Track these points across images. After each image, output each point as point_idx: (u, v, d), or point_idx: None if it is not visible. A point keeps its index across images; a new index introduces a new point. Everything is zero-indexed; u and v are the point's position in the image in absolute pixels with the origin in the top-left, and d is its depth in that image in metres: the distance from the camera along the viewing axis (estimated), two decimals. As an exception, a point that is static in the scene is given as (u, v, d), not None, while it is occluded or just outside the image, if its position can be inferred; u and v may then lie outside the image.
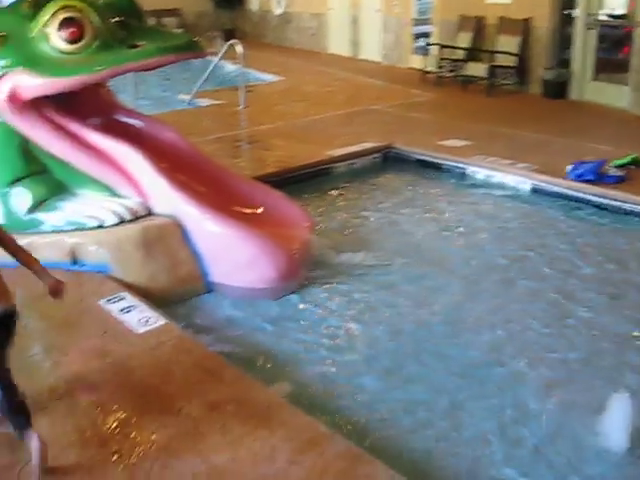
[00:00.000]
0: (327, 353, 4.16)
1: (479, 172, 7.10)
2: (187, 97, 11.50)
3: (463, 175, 7.24)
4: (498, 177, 6.95)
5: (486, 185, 7.00)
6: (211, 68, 10.98)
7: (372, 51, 15.20)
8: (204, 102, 11.35)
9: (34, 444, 2.83)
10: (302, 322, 4.55)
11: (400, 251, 5.55)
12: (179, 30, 17.48)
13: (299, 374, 3.94)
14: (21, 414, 2.90)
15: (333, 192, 7.00)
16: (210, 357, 3.72)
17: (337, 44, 16.66)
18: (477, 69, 11.37)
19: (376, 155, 7.78)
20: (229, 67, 14.49)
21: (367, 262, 5.36)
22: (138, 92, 10.21)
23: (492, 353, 4.14)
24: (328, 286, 4.98)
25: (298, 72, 14.20)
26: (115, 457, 2.98)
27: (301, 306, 4.75)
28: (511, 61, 11.01)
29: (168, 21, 20.05)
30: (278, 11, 19.35)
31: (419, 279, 5.12)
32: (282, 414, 3.21)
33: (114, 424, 3.20)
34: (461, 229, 6.03)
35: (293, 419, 3.18)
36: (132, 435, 3.12)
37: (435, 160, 7.50)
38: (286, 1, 18.88)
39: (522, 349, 4.16)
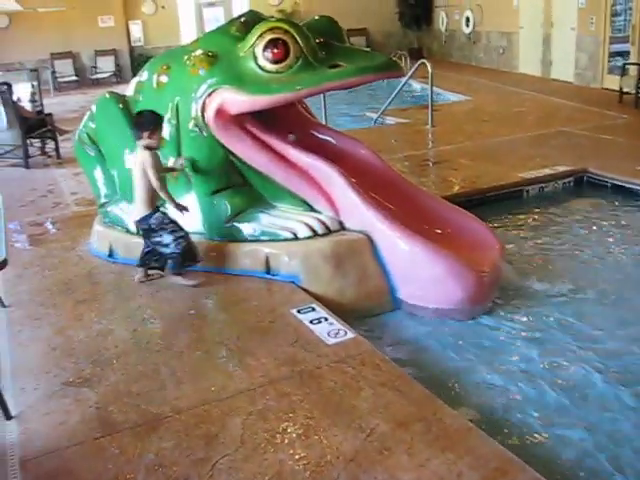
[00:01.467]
0: (511, 384, 4.02)
1: (683, 201, 6.65)
2: (374, 115, 11.67)
3: (664, 204, 6.80)
4: None
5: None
6: (400, 87, 11.05)
7: (564, 71, 14.69)
8: (391, 120, 11.48)
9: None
10: (488, 347, 4.44)
11: (591, 282, 5.28)
12: (367, 49, 17.82)
13: (482, 400, 3.85)
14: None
15: (522, 216, 6.80)
16: (398, 374, 3.72)
17: (527, 63, 16.27)
18: (680, 90, 10.69)
19: (569, 179, 7.48)
20: (415, 86, 14.60)
21: (555, 291, 5.15)
22: (327, 109, 10.46)
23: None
24: (514, 313, 4.83)
25: (486, 92, 14.01)
26: (302, 463, 3.06)
27: (487, 330, 4.65)
28: None
29: (356, 40, 20.44)
30: (466, 30, 19.20)
31: (612, 314, 4.84)
32: (470, 439, 3.15)
33: (302, 430, 3.29)
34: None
35: (482, 445, 3.10)
36: (319, 442, 3.19)
37: (634, 187, 7.09)
38: (475, 20, 18.71)
39: None
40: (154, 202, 5.00)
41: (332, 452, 3.10)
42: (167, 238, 4.98)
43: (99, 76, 20.18)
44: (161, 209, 5.07)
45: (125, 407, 3.57)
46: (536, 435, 3.53)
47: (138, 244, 5.47)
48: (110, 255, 5.67)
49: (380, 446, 3.12)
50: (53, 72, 19.32)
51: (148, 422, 3.43)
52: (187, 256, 5.04)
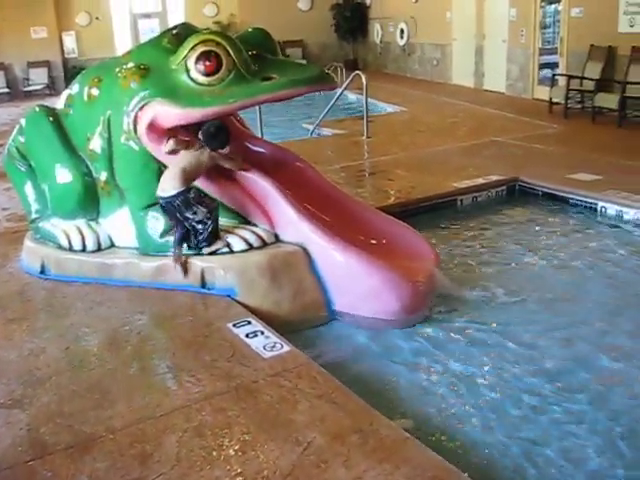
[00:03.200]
0: (448, 391, 4.08)
1: (610, 207, 6.83)
2: (310, 127, 11.72)
3: (593, 210, 6.99)
4: (631, 214, 6.67)
5: (618, 221, 6.72)
6: (335, 98, 11.13)
7: (496, 82, 15.02)
8: (327, 132, 11.55)
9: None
10: (424, 355, 4.49)
11: (526, 288, 5.40)
12: (302, 61, 17.93)
13: (419, 409, 3.88)
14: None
15: (456, 225, 6.91)
16: (335, 386, 3.71)
17: (460, 75, 16.59)
18: (607, 100, 11.00)
19: (501, 188, 7.64)
20: (351, 97, 14.74)
21: (490, 298, 5.25)
22: (262, 120, 10.45)
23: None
24: (450, 321, 4.90)
25: (421, 103, 14.22)
26: (238, 479, 3.03)
27: (423, 339, 4.69)
28: (644, 92, 10.61)
29: (292, 52, 20.61)
30: (401, 42, 19.47)
31: (547, 319, 4.96)
32: (407, 449, 3.16)
33: (238, 445, 3.26)
34: (593, 267, 5.80)
35: (418, 455, 3.12)
36: (256, 457, 3.16)
37: (563, 194, 7.28)
38: (409, 32, 18.98)
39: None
40: (189, 182, 4.89)
41: (269, 467, 3.08)
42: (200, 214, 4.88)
43: (32, 88, 19.79)
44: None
45: (57, 428, 3.48)
46: (473, 442, 3.57)
47: (70, 260, 5.40)
48: (42, 272, 5.54)
49: (317, 459, 3.11)
50: (-16, 84, 18.90)
51: (81, 443, 3.35)
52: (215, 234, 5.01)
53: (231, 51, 4.79)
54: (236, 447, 3.24)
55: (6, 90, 19.57)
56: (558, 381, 4.14)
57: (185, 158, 4.90)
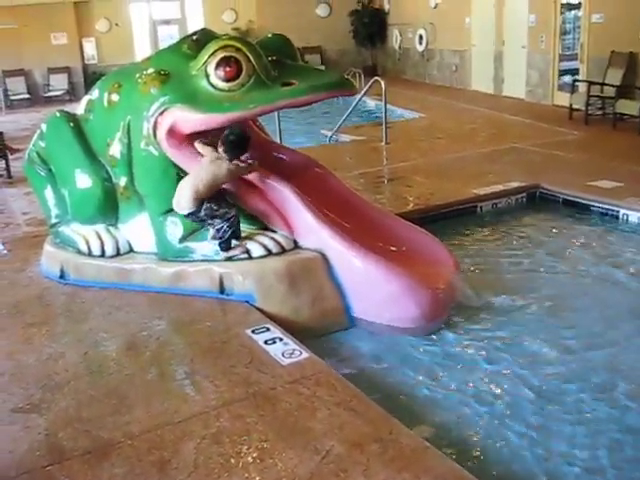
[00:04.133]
0: (468, 399, 4.04)
1: (632, 215, 6.75)
2: (329, 133, 11.70)
3: (615, 218, 6.91)
4: (655, 222, 6.60)
5: (641, 230, 6.66)
6: (354, 104, 11.11)
7: (515, 88, 14.93)
8: (346, 138, 11.52)
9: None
10: (443, 363, 4.46)
11: (547, 296, 5.34)
12: (321, 67, 17.93)
13: (438, 417, 3.85)
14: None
15: (476, 232, 6.86)
16: (354, 394, 3.69)
17: (480, 81, 16.50)
18: (629, 107, 10.89)
19: (521, 195, 7.58)
20: (370, 103, 14.70)
21: (510, 305, 5.19)
22: (281, 127, 10.45)
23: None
24: (470, 329, 4.86)
25: (439, 109, 14.17)
26: (257, 488, 3.01)
27: (443, 347, 4.66)
28: (667, 99, 10.52)
29: (311, 58, 20.60)
30: (420, 48, 19.42)
31: (567, 327, 4.91)
32: (427, 459, 3.13)
33: (256, 453, 3.24)
34: (614, 275, 5.73)
35: (438, 465, 3.09)
36: (274, 465, 3.14)
37: (585, 201, 7.21)
38: (428, 38, 18.93)
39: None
40: (201, 201, 4.85)
41: (287, 475, 3.06)
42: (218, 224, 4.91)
43: (52, 94, 19.90)
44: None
45: (75, 433, 3.49)
46: (494, 452, 3.53)
47: (89, 265, 5.41)
48: (61, 276, 5.55)
49: (336, 468, 3.09)
50: (5, 90, 19.01)
51: (99, 448, 3.35)
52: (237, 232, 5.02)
53: (251, 57, 4.78)
54: (254, 455, 3.22)
55: (27, 96, 19.69)
56: (583, 391, 4.09)
57: (200, 175, 4.85)
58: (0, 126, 11.35)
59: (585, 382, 4.19)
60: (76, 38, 20.57)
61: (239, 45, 4.81)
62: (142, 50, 20.53)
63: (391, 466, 3.08)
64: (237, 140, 4.91)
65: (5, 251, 6.54)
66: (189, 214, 4.90)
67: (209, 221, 4.92)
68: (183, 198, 4.86)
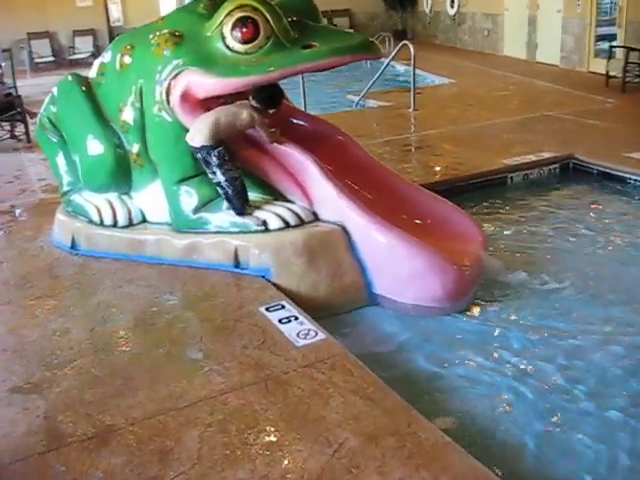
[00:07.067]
0: (495, 387, 3.78)
1: (672, 189, 6.41)
2: (356, 98, 11.37)
3: (654, 192, 6.57)
4: (695, 196, 6.23)
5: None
6: (382, 69, 10.75)
7: (550, 54, 14.41)
8: (373, 103, 11.19)
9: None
10: (469, 346, 4.19)
11: (578, 274, 5.04)
12: (351, 30, 17.50)
13: (461, 407, 3.60)
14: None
15: (506, 204, 6.54)
16: (371, 380, 3.44)
17: (512, 46, 15.98)
18: (669, 74, 10.44)
19: (554, 166, 7.23)
20: (399, 68, 14.31)
21: (542, 284, 4.90)
22: (306, 91, 10.14)
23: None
24: (498, 308, 4.60)
25: (470, 75, 13.72)
26: (263, 481, 2.80)
27: (469, 327, 4.40)
28: None
29: (339, 21, 20.15)
30: (451, 11, 18.87)
31: (600, 307, 4.62)
32: (447, 456, 2.88)
33: (264, 444, 3.02)
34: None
35: (459, 463, 2.84)
36: (283, 458, 2.93)
37: (621, 174, 6.84)
38: (459, 1, 18.38)
39: None
40: (219, 138, 4.62)
41: (296, 470, 2.84)
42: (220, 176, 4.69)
43: (77, 57, 19.65)
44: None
45: (76, 417, 3.29)
46: (521, 448, 3.28)
47: (100, 235, 5.21)
48: (72, 247, 5.36)
49: (349, 463, 2.86)
50: (30, 52, 18.83)
51: (99, 434, 3.15)
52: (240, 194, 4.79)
53: (269, 17, 4.52)
54: (262, 446, 3.00)
55: (52, 59, 19.48)
56: (614, 378, 3.82)
57: (222, 110, 4.66)
58: (24, 89, 11.14)
59: (624, 370, 3.90)
60: (101, 0, 20.28)
61: (256, 4, 4.53)
62: (168, 12, 20.20)
63: (408, 463, 2.83)
64: (269, 89, 4.71)
65: (18, 218, 6.38)
66: (200, 149, 4.63)
67: (213, 169, 4.66)
68: (200, 131, 4.60)
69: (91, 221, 5.31)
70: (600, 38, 13.30)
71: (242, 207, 4.78)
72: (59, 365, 3.76)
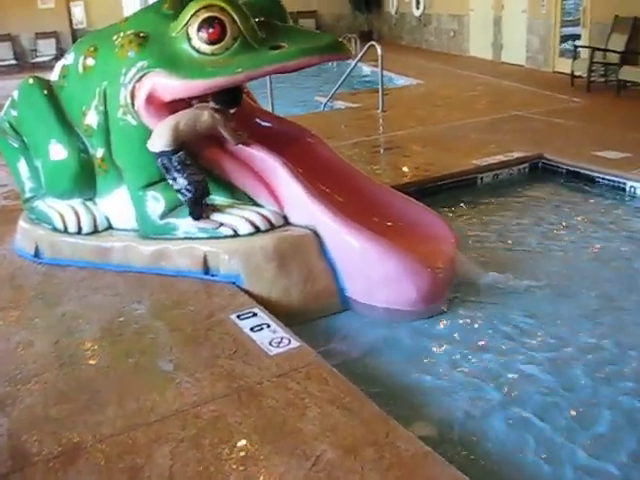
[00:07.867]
0: (473, 391, 3.71)
1: (641, 188, 6.42)
2: (324, 99, 11.30)
3: (622, 190, 6.57)
4: (664, 194, 6.25)
5: (650, 203, 6.31)
6: (349, 70, 10.69)
7: (515, 54, 14.49)
8: (341, 105, 11.14)
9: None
10: (444, 349, 4.13)
11: (551, 274, 5.01)
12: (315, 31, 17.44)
13: (439, 413, 3.52)
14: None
15: (476, 205, 6.51)
16: (347, 389, 3.34)
17: (478, 47, 16.06)
18: (633, 73, 10.51)
19: (523, 166, 7.22)
20: (366, 69, 14.28)
21: (515, 284, 4.84)
22: (273, 93, 10.05)
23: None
24: (473, 311, 4.53)
25: (437, 75, 13.74)
26: (239, 499, 2.69)
27: (443, 332, 4.34)
28: (673, 65, 10.12)
29: (305, 22, 20.13)
30: (417, 13, 18.91)
31: (572, 306, 4.59)
32: (427, 466, 2.79)
33: (239, 459, 2.91)
34: (620, 252, 5.41)
35: (440, 474, 2.76)
36: (259, 473, 2.82)
37: (590, 173, 6.85)
38: (425, 2, 18.42)
39: None
40: (179, 142, 4.52)
41: (272, 486, 2.75)
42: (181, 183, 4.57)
43: (40, 60, 19.36)
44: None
45: (41, 435, 3.14)
46: (501, 455, 3.21)
47: (65, 243, 5.06)
48: (36, 255, 5.19)
49: (327, 477, 2.75)
50: (-10, 56, 18.55)
51: (66, 453, 3.01)
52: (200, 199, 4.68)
53: (236, 17, 4.40)
54: (236, 461, 2.89)
55: (14, 62, 19.17)
56: (593, 378, 3.78)
57: (181, 115, 4.55)
58: (-17, 93, 10.89)
59: (603, 366, 3.88)
60: (63, 2, 20.04)
61: (223, 4, 4.41)
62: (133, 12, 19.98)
63: (388, 475, 2.74)
64: (230, 90, 4.60)
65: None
66: (161, 154, 4.52)
67: (174, 174, 4.55)
68: (160, 135, 4.51)
69: (55, 228, 5.14)
70: (565, 38, 13.39)
71: (200, 211, 4.67)
72: (22, 380, 3.60)
